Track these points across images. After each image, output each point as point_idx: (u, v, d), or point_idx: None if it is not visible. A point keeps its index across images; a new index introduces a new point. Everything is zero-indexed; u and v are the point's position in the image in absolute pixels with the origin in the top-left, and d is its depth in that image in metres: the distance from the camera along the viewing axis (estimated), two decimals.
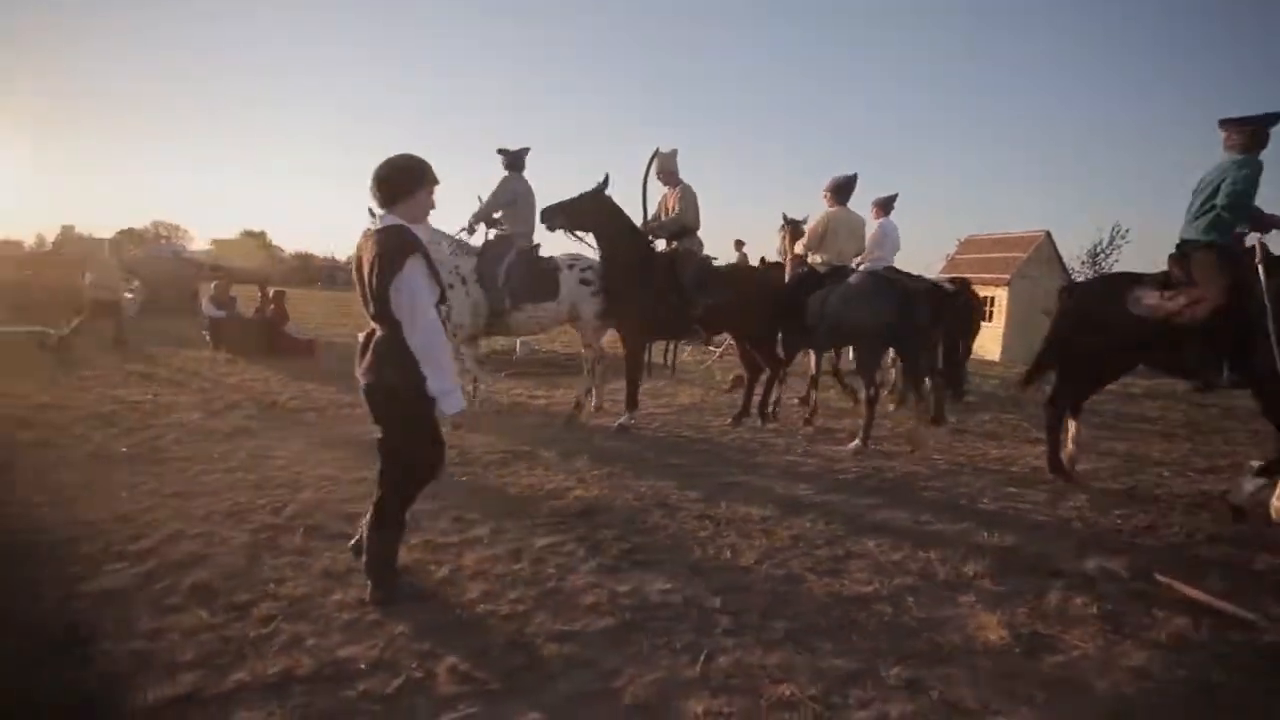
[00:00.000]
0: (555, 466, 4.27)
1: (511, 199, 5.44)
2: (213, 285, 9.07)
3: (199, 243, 47.78)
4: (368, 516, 2.50)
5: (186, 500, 3.41)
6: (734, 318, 5.59)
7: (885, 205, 5.61)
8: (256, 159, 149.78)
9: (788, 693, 2.01)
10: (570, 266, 5.48)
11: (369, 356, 2.36)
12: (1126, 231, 21.98)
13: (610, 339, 6.20)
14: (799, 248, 5.74)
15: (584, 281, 5.44)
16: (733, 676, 2.10)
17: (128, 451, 4.19)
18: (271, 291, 9.18)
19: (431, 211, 2.54)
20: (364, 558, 2.48)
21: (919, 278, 5.49)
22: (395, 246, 2.22)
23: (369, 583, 2.44)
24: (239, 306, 9.03)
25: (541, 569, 2.79)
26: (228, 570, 2.65)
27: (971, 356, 7.31)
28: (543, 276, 5.38)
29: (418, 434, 2.40)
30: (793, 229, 6.36)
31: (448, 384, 2.27)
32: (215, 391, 6.24)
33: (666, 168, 5.51)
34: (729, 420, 5.76)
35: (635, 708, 1.93)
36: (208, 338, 8.78)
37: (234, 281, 9.27)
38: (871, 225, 5.50)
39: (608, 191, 5.39)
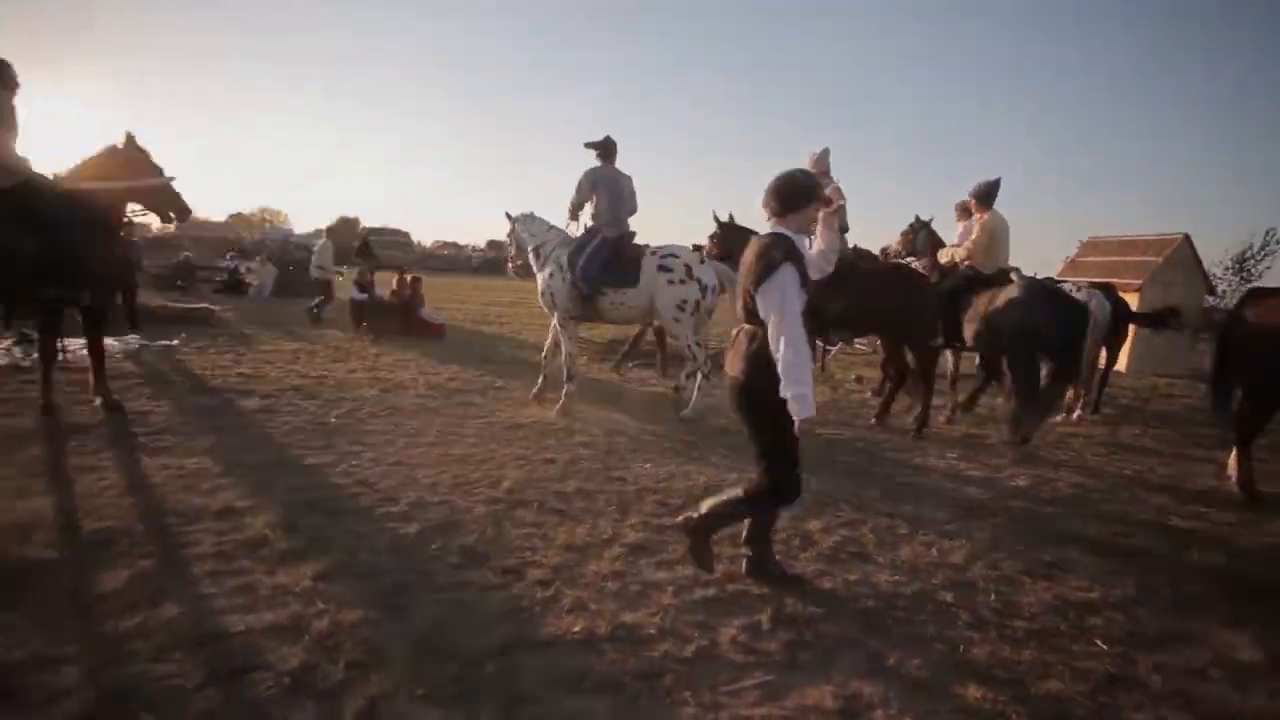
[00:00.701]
0: (720, 465, 4.43)
1: (592, 189, 5.55)
2: (356, 270, 9.71)
3: (300, 227, 50.59)
4: (724, 496, 2.62)
5: (410, 470, 3.75)
6: (879, 318, 5.60)
7: (989, 197, 5.43)
8: (351, 146, 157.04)
9: (1054, 688, 2.11)
10: (652, 254, 5.44)
11: (738, 355, 2.49)
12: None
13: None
14: (958, 255, 5.68)
15: (662, 268, 5.36)
16: (993, 667, 2.21)
17: (335, 423, 4.62)
18: (409, 277, 9.75)
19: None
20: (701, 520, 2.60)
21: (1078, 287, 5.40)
22: (775, 253, 2.33)
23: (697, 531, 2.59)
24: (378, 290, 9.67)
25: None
26: (483, 538, 2.93)
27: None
28: (624, 263, 5.43)
29: (782, 441, 2.44)
30: (931, 233, 6.30)
31: (800, 389, 2.27)
32: (379, 370, 6.73)
33: (822, 167, 5.57)
34: (872, 420, 5.79)
35: (913, 688, 2.07)
36: (351, 320, 9.42)
37: (377, 268, 9.92)
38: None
39: None
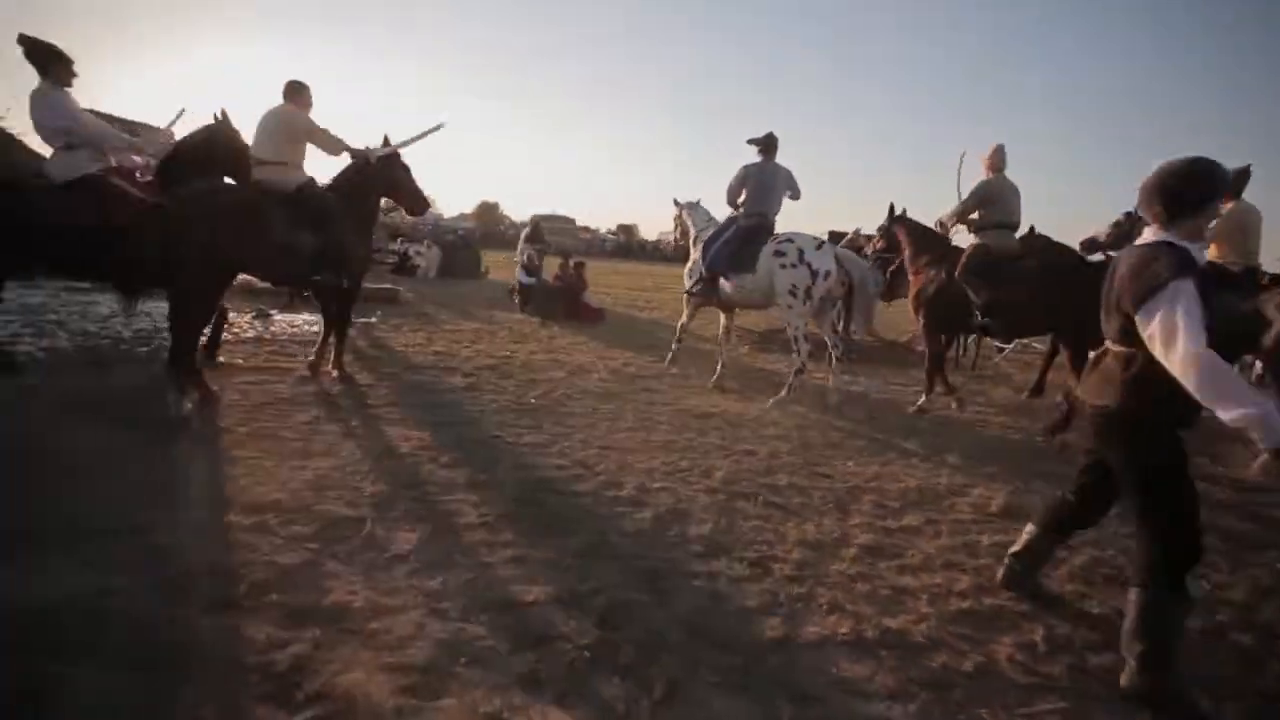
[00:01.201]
0: (921, 466, 4.24)
1: (741, 184, 5.86)
2: (524, 254, 10.23)
3: (446, 211, 54.36)
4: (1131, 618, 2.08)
5: (621, 455, 3.89)
6: (1042, 314, 5.10)
7: (1238, 185, 4.81)
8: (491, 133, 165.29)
9: None
10: (771, 240, 5.55)
11: (1106, 381, 2.16)
12: None
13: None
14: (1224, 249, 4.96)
15: (777, 253, 5.43)
16: None
17: (536, 404, 4.88)
18: (573, 261, 10.14)
19: None
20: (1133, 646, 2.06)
21: None
22: (1159, 268, 1.93)
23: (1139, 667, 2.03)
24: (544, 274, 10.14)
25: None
26: (717, 528, 2.98)
27: None
28: (746, 250, 5.63)
29: (1173, 489, 2.04)
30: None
31: (1250, 409, 1.76)
32: (557, 352, 7.05)
33: (997, 165, 5.35)
34: (1046, 432, 5.18)
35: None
36: (516, 300, 9.95)
37: (545, 252, 10.42)
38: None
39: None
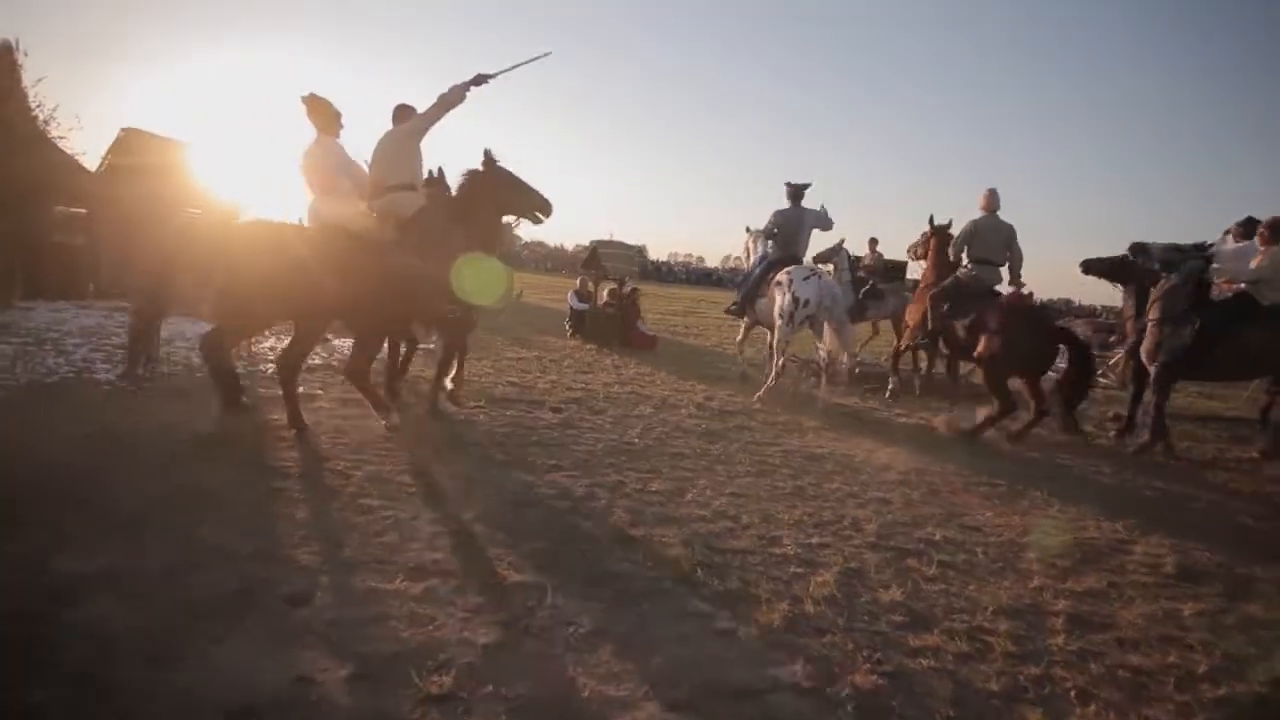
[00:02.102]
0: (1064, 511, 4.05)
1: (774, 227, 7.24)
2: (578, 280, 10.10)
3: None
4: None
5: (758, 503, 3.70)
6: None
7: None
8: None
9: None
10: (785, 270, 6.64)
11: None
12: None
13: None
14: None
15: (777, 282, 6.61)
16: None
17: (641, 445, 4.70)
18: (629, 288, 10.00)
19: None
20: None
21: None
22: None
23: None
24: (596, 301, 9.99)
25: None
26: (905, 592, 2.78)
27: None
28: (764, 278, 7.05)
29: None
30: None
31: None
32: (630, 383, 6.88)
33: (989, 206, 6.30)
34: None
35: None
36: (569, 328, 9.80)
37: (603, 278, 10.28)
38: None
39: None
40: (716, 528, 3.31)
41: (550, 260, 53.33)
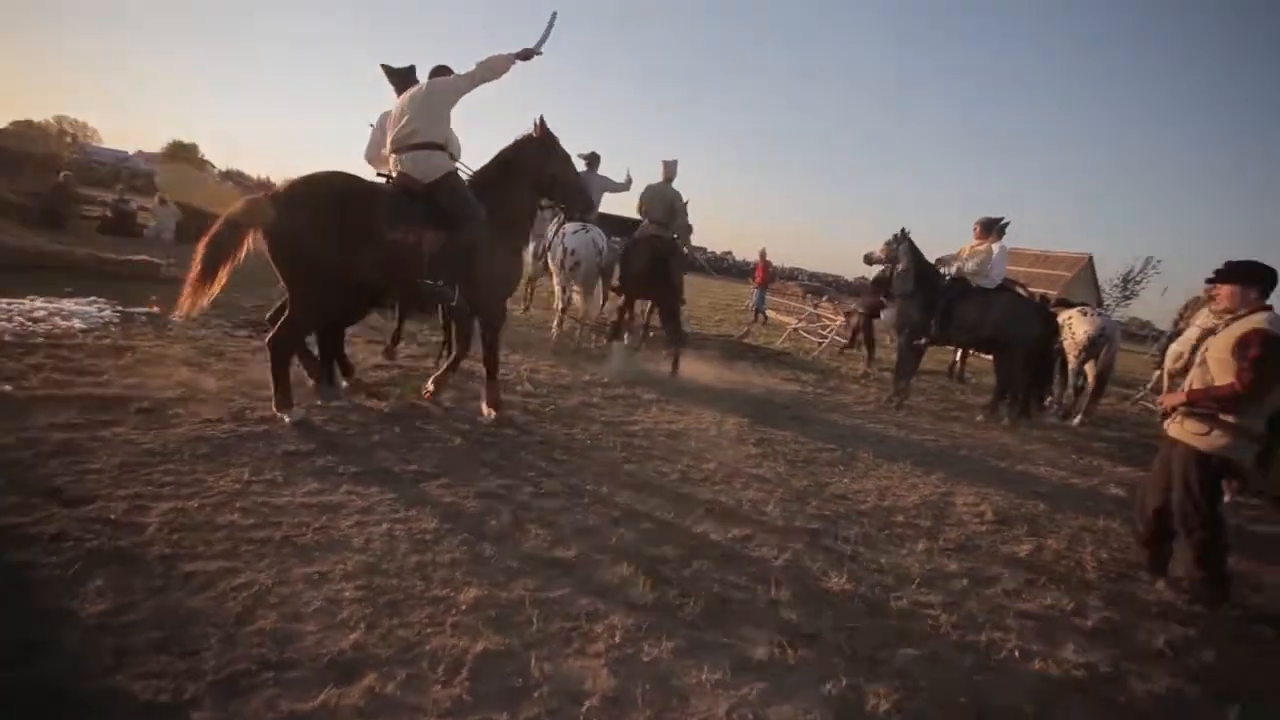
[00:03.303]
0: (899, 471, 4.68)
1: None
2: None
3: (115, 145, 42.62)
4: None
5: (662, 497, 3.59)
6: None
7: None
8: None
9: None
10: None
11: None
12: (1159, 263, 24.58)
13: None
14: None
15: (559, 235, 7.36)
16: None
17: (634, 469, 4.24)
18: None
19: None
20: None
21: None
22: None
23: None
24: None
25: None
26: (861, 579, 2.94)
27: None
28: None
29: None
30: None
31: None
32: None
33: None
34: None
35: None
36: None
37: None
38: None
39: None
40: (640, 532, 3.12)
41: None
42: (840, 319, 11.23)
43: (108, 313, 5.77)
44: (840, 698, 2.13)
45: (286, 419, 3.69)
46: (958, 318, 6.96)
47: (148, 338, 5.15)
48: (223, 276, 3.63)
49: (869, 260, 7.75)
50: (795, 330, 11.38)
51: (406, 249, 3.77)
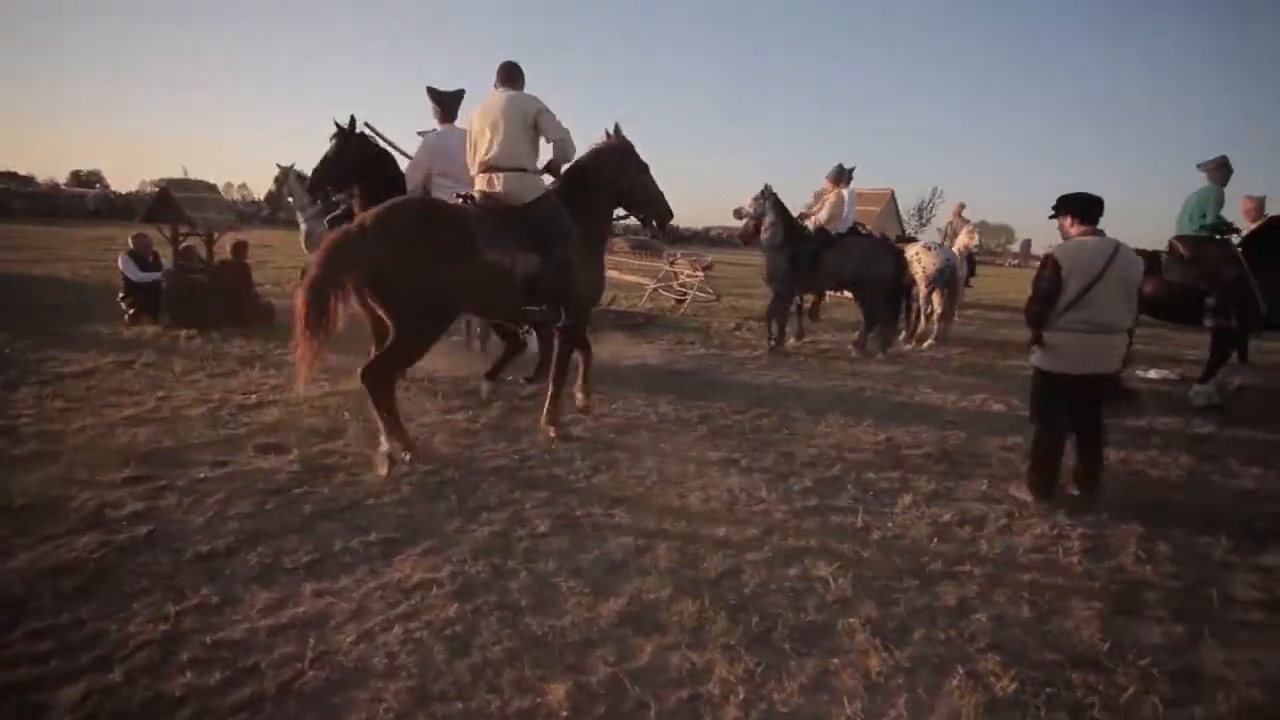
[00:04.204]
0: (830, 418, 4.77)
1: None
2: (132, 239, 6.78)
3: None
4: None
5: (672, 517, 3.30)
6: None
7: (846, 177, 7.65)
8: None
9: None
10: None
11: None
12: (942, 192, 28.16)
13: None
14: None
15: None
16: None
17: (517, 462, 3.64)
18: (231, 243, 7.14)
19: None
20: None
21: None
22: None
23: None
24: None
25: None
26: (866, 568, 2.88)
27: None
28: None
29: None
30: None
31: None
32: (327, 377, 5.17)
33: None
34: None
35: None
36: (127, 309, 6.71)
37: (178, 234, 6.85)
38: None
39: None
40: (666, 553, 2.82)
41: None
42: (700, 274, 11.38)
43: None
44: (966, 683, 2.05)
45: (406, 458, 3.48)
46: (823, 265, 7.36)
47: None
48: (336, 324, 3.20)
49: (738, 214, 7.89)
50: (655, 291, 11.36)
51: (501, 271, 3.60)
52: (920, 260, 8.47)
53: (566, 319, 3.97)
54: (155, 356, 5.58)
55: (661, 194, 4.42)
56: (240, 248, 7.25)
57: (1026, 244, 53.33)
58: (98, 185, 33.93)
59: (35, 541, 2.58)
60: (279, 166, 8.61)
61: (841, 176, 8.10)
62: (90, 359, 5.34)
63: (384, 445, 3.44)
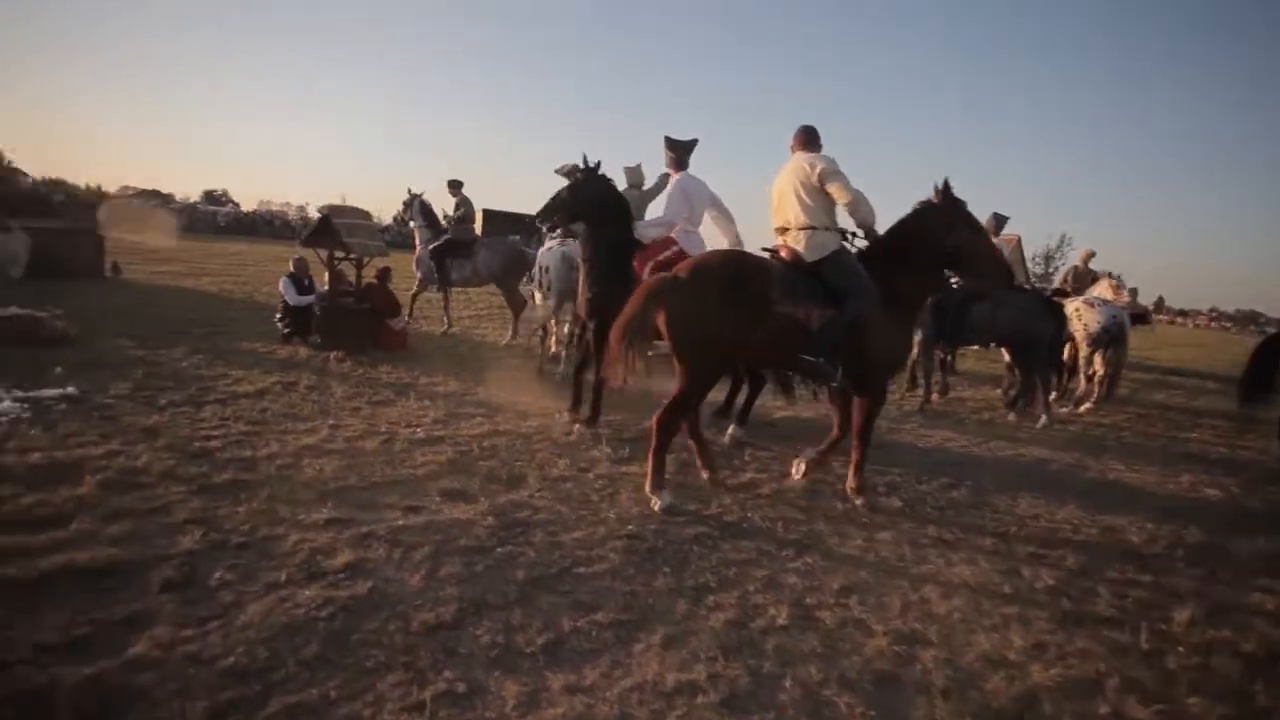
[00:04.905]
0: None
1: None
2: (293, 262, 7.03)
3: None
4: None
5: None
6: None
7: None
8: None
9: None
10: None
11: None
12: (1071, 239, 27.01)
13: None
14: None
15: None
16: None
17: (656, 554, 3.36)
18: (378, 269, 7.31)
19: None
20: None
21: None
22: None
23: None
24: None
25: None
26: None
27: None
28: None
29: None
30: None
31: None
32: (454, 420, 5.05)
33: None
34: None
35: None
36: (281, 326, 6.89)
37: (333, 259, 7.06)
38: None
39: None
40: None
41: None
42: None
43: (5, 403, 4.21)
44: None
45: (658, 503, 3.55)
46: (971, 319, 6.83)
47: (86, 438, 3.73)
48: (640, 360, 3.49)
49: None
50: None
51: (791, 323, 3.60)
52: (1081, 317, 7.78)
53: (862, 381, 3.84)
54: (315, 379, 5.63)
55: (999, 257, 4.09)
56: (385, 273, 7.39)
57: (1159, 300, 49.57)
58: (228, 204, 36.35)
59: (261, 590, 2.44)
60: (410, 192, 8.92)
61: (1002, 225, 7.63)
62: (256, 378, 5.43)
63: (655, 499, 3.58)
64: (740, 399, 5.28)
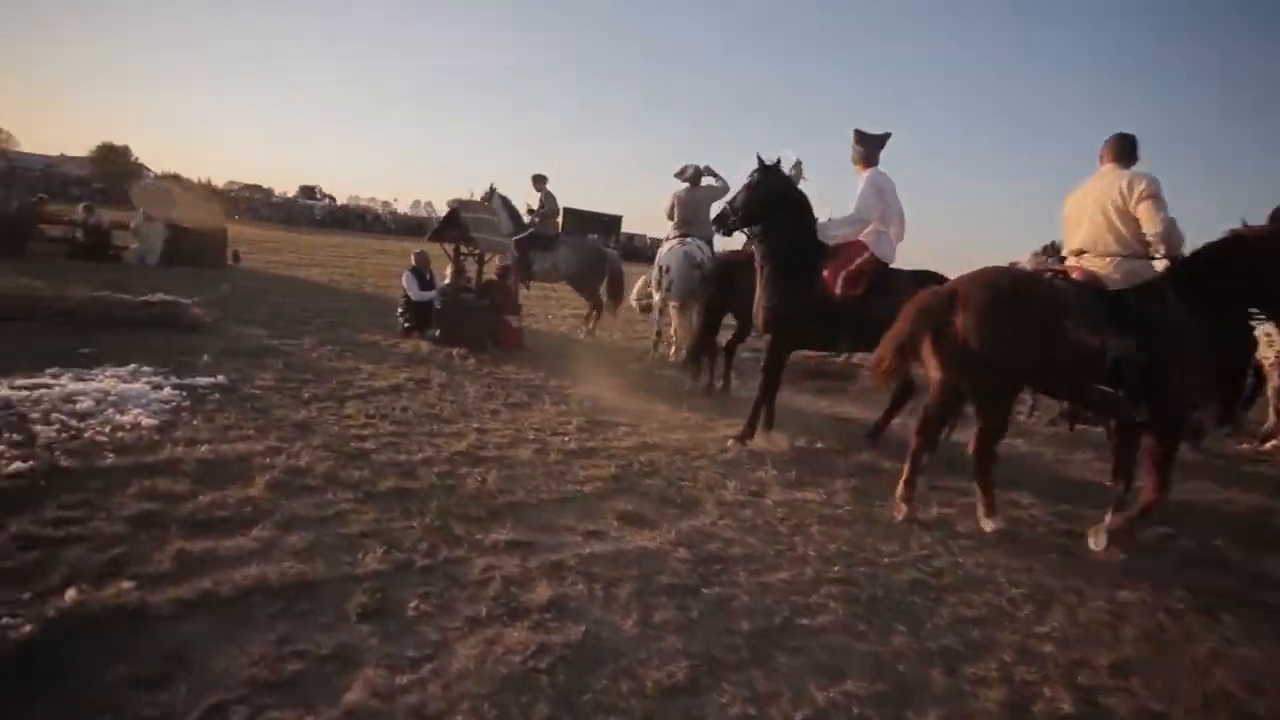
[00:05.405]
0: None
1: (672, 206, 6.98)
2: (414, 256, 6.99)
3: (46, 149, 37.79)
4: None
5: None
6: None
7: None
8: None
9: None
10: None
11: None
12: None
13: None
14: None
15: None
16: None
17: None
18: (499, 266, 7.19)
19: None
20: None
21: None
22: None
23: None
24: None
25: None
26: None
27: None
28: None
29: None
30: None
31: None
32: (600, 429, 4.75)
33: None
34: None
35: None
36: (402, 320, 6.81)
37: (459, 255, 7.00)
38: None
39: None
40: None
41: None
42: None
43: (166, 390, 4.17)
44: None
45: (990, 526, 3.48)
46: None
47: (244, 431, 3.60)
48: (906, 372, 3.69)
49: None
50: None
51: (1085, 353, 3.23)
52: (1275, 344, 6.81)
53: (1156, 416, 3.38)
54: (445, 376, 5.48)
55: None
56: (506, 270, 7.22)
57: None
58: (323, 198, 37.81)
59: (464, 626, 2.16)
60: (491, 186, 8.77)
61: None
62: (388, 374, 5.32)
63: (986, 521, 3.49)
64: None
